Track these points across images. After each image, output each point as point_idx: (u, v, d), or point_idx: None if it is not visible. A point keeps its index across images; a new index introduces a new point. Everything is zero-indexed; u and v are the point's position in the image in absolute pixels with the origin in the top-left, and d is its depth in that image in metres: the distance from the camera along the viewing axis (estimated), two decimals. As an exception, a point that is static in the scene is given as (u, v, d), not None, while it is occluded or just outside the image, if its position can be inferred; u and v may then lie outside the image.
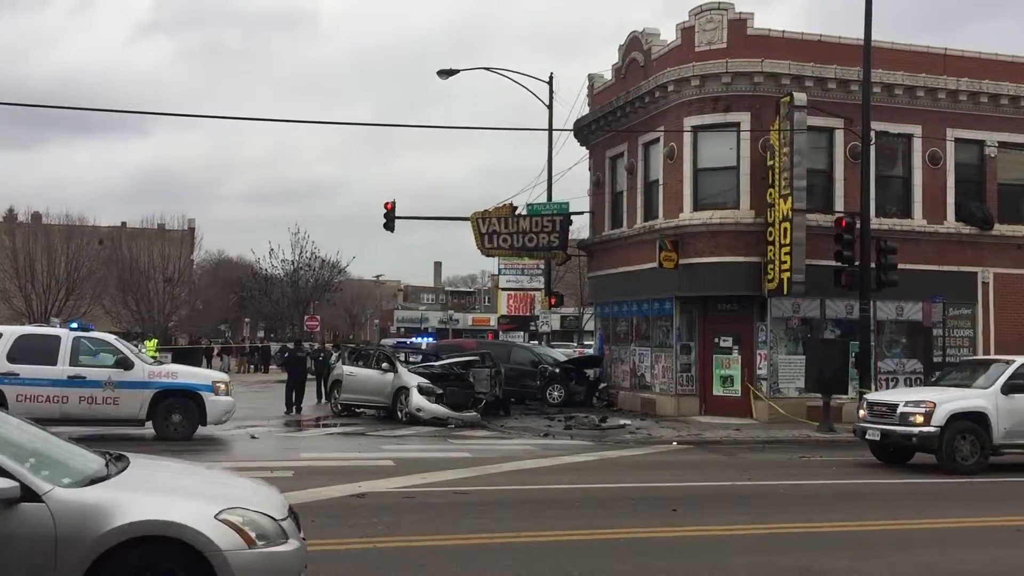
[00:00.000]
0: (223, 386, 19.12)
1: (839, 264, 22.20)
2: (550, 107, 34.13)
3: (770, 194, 23.50)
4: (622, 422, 23.18)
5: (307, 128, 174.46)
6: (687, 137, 24.89)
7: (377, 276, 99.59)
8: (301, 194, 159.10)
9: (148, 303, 56.15)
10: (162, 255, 59.23)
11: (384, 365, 24.63)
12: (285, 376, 28.41)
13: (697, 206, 24.89)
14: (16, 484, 5.88)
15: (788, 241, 22.71)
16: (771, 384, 24.07)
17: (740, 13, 24.62)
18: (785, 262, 22.82)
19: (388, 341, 57.38)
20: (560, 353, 34.62)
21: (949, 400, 16.19)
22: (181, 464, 8.52)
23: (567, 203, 31.19)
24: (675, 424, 23.00)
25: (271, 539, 6.36)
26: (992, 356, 19.62)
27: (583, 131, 31.13)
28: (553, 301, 35.20)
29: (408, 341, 51.49)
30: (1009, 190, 26.63)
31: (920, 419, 15.88)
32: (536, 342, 38.71)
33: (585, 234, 33.24)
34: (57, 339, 18.15)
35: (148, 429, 18.61)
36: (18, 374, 17.53)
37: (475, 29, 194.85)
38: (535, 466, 16.11)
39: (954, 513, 12.23)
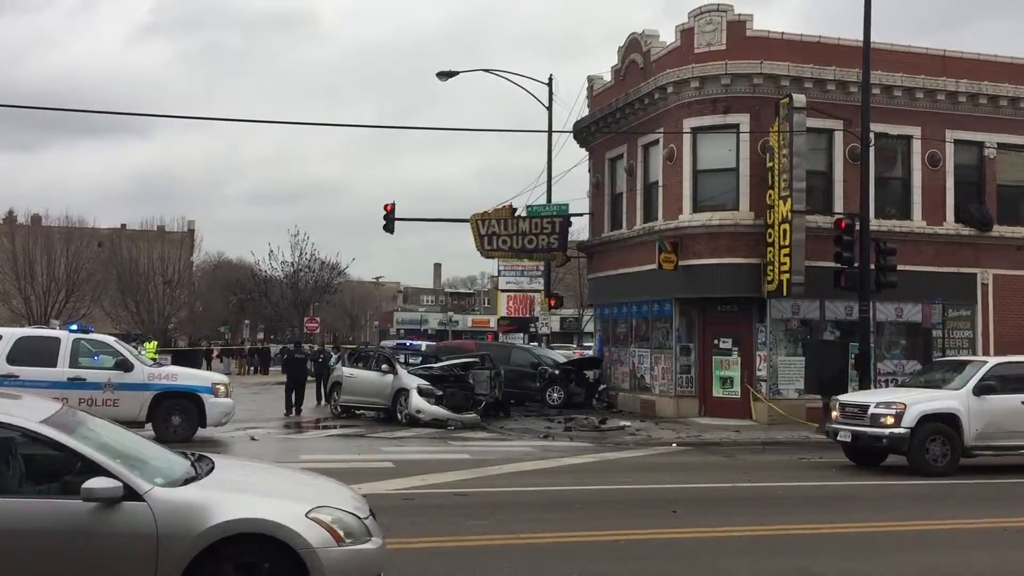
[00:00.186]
0: (222, 388, 19.12)
1: (838, 265, 22.20)
2: (549, 109, 34.18)
3: (769, 195, 23.51)
4: (622, 424, 23.20)
5: (307, 129, 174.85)
6: (686, 139, 24.91)
7: (377, 278, 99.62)
8: (301, 196, 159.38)
9: (148, 305, 56.22)
10: (162, 257, 59.31)
11: (384, 367, 24.63)
12: (284, 378, 28.41)
13: (696, 208, 24.91)
14: (119, 484, 6.13)
15: (787, 242, 22.72)
16: (771, 385, 24.08)
17: (739, 15, 24.65)
18: (784, 263, 22.83)
19: (388, 343, 57.40)
20: (560, 355, 34.62)
21: (920, 401, 16.01)
22: (259, 464, 8.89)
23: (567, 205, 31.23)
24: (675, 425, 23.02)
25: (357, 537, 6.59)
26: (968, 357, 19.46)
27: (583, 133, 31.15)
28: (553, 303, 35.20)
29: (408, 343, 51.48)
30: (1008, 191, 26.66)
31: (891, 420, 15.73)
32: (536, 344, 38.71)
33: (585, 236, 33.26)
34: (57, 341, 18.15)
35: (147, 431, 18.57)
36: (18, 376, 17.49)
37: (475, 30, 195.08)
38: (535, 468, 16.12)
39: (954, 514, 12.22)
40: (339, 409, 25.63)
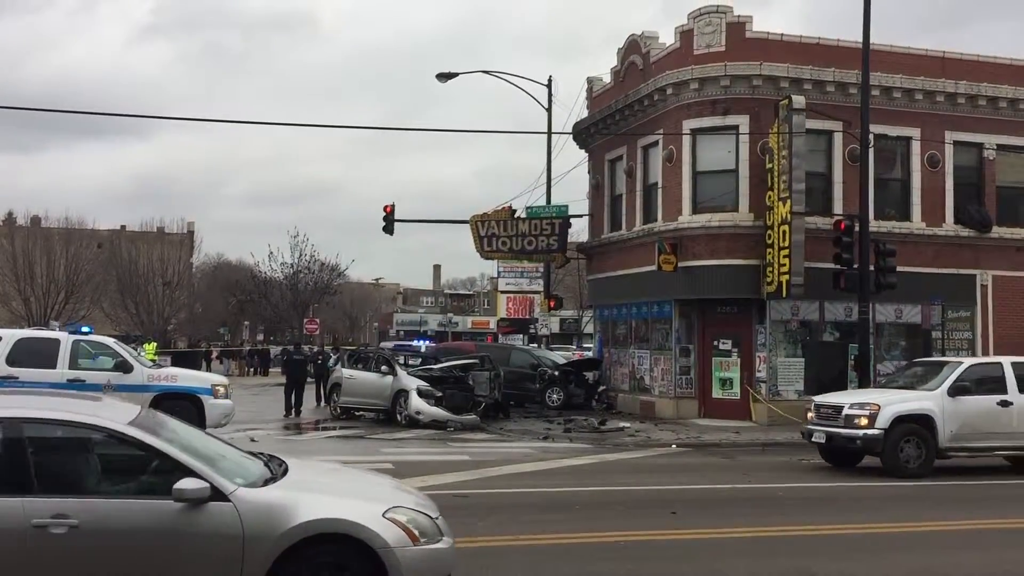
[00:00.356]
0: (222, 389, 19.08)
1: (838, 267, 22.20)
2: (549, 110, 34.18)
3: (769, 197, 23.52)
4: (621, 425, 23.20)
5: (307, 130, 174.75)
6: (686, 140, 24.92)
7: (376, 279, 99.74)
8: (300, 197, 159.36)
9: (147, 306, 56.23)
10: (161, 258, 59.32)
11: (383, 368, 24.63)
12: (284, 379, 28.41)
13: (696, 209, 24.91)
14: (207, 485, 6.25)
15: (787, 244, 22.72)
16: (770, 386, 24.08)
17: (739, 16, 24.66)
18: (784, 265, 22.83)
19: (387, 344, 57.38)
20: (559, 356, 34.62)
21: (894, 402, 15.87)
22: (328, 465, 9.05)
23: (566, 206, 31.25)
24: (674, 427, 23.02)
25: (430, 536, 6.73)
26: (946, 358, 19.25)
27: (582, 134, 31.16)
28: (552, 304, 35.21)
29: (406, 344, 51.47)
30: (1008, 192, 26.67)
31: (864, 421, 15.61)
32: (535, 345, 38.72)
33: (584, 237, 33.27)
34: (56, 342, 18.13)
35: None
36: (17, 377, 17.46)
37: (474, 32, 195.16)
38: (534, 469, 16.11)
39: (954, 516, 12.23)
40: (339, 410, 25.63)
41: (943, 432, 15.66)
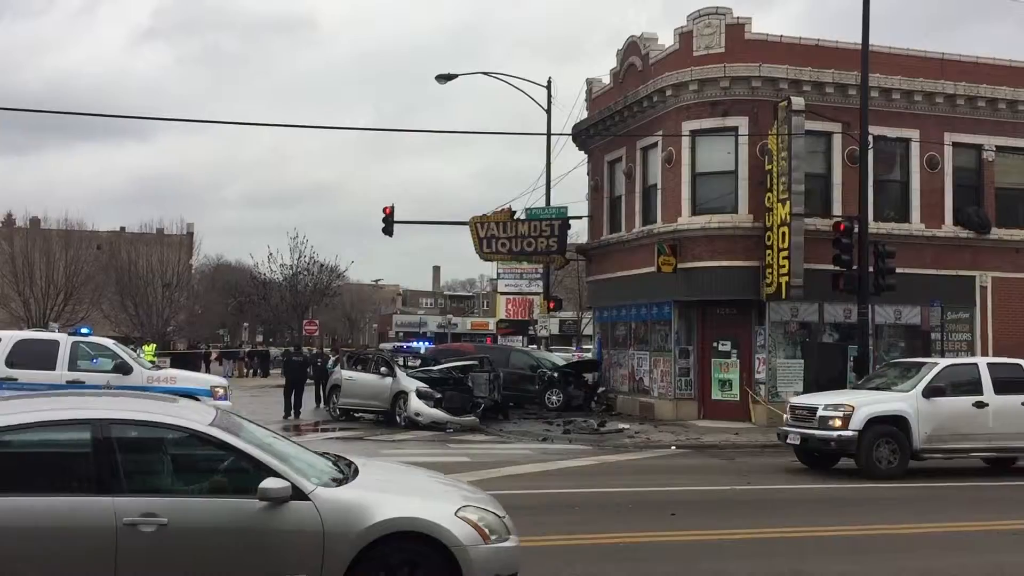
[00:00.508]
0: (221, 390, 19.11)
1: (837, 268, 22.21)
2: (548, 112, 34.19)
3: (768, 198, 23.53)
4: (621, 426, 23.21)
5: (306, 132, 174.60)
6: (685, 141, 24.93)
7: (376, 280, 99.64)
8: (300, 198, 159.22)
9: (147, 308, 56.14)
10: (161, 260, 59.21)
11: (383, 369, 24.63)
12: (284, 381, 28.41)
13: (695, 210, 24.92)
14: (288, 484, 6.42)
15: (786, 245, 22.73)
16: (770, 388, 24.08)
17: (738, 18, 24.69)
18: (783, 266, 22.84)
19: (387, 345, 57.37)
20: (559, 357, 34.62)
21: (868, 403, 15.81)
22: (395, 464, 9.37)
23: (565, 207, 31.25)
24: (674, 428, 23.02)
25: (500, 535, 6.89)
26: (922, 359, 19.19)
27: (581, 135, 31.17)
28: (552, 305, 35.23)
29: (405, 345, 51.46)
30: (1007, 194, 26.69)
31: (838, 423, 15.54)
32: (535, 346, 38.72)
33: (584, 238, 33.27)
34: (56, 344, 18.14)
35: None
36: (17, 379, 17.48)
37: (474, 34, 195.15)
38: (534, 470, 16.12)
39: (953, 517, 12.23)
40: (338, 412, 25.65)
41: (918, 433, 15.59)
